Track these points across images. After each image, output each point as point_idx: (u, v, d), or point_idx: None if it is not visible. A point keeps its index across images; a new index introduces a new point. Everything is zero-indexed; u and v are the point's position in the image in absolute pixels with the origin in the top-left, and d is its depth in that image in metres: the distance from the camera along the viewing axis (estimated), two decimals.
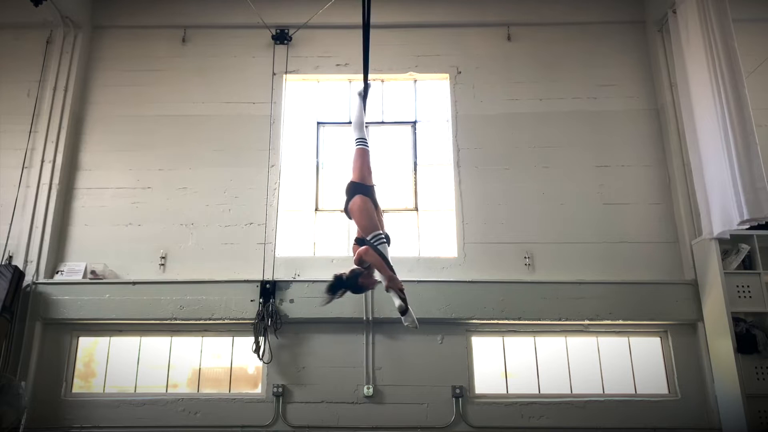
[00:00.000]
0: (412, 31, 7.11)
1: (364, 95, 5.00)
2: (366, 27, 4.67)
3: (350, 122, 6.94)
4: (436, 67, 7.05)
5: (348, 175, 4.72)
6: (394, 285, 4.25)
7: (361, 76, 4.98)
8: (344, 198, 4.64)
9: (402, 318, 4.26)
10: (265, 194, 6.55)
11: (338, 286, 4.33)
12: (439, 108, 7.01)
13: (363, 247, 4.36)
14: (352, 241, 4.62)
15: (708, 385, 5.86)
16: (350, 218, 4.67)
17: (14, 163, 6.50)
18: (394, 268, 4.34)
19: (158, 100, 6.89)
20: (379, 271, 4.30)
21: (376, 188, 4.69)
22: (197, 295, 6.04)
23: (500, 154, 6.68)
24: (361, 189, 4.55)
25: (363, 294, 5.94)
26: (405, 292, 4.27)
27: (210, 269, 6.24)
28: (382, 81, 7.11)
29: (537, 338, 6.17)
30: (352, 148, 4.81)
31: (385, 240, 4.40)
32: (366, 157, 4.73)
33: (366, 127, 4.97)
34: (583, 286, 6.07)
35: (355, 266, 4.37)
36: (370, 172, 4.71)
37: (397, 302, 4.23)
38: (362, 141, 4.77)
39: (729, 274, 5.78)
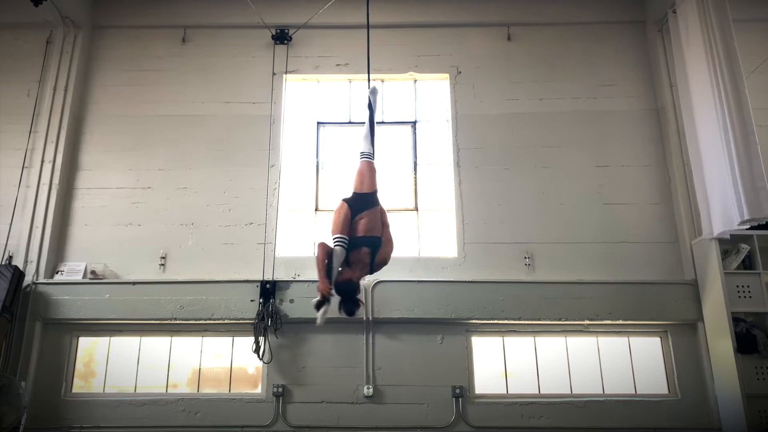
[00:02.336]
0: (412, 31, 7.11)
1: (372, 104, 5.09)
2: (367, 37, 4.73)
3: (350, 122, 6.98)
4: (436, 67, 7.05)
5: (351, 176, 4.92)
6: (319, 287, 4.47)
7: (362, 75, 5.03)
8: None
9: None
10: (265, 194, 6.55)
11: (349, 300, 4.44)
12: (439, 108, 7.01)
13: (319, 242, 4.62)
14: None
15: (708, 385, 5.86)
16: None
17: (14, 163, 6.50)
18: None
19: (158, 100, 6.89)
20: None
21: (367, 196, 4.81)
22: (197, 295, 6.04)
23: (500, 154, 6.68)
24: (349, 196, 4.79)
25: (363, 294, 5.95)
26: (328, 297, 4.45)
27: (210, 269, 6.24)
28: (382, 81, 7.11)
29: (537, 338, 6.17)
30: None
31: (340, 243, 4.51)
32: (366, 169, 4.90)
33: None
34: (583, 286, 6.06)
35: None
36: (369, 182, 4.86)
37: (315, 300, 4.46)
38: (365, 155, 4.95)
39: (729, 274, 5.78)
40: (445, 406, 5.85)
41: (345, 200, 4.73)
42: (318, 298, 4.43)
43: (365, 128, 5.01)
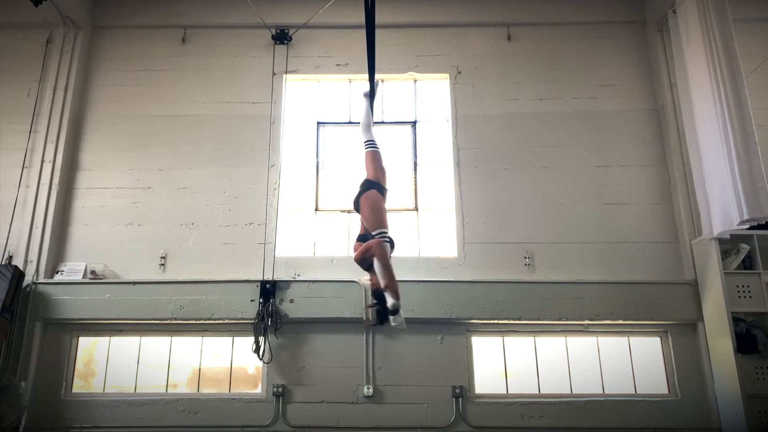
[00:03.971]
0: (412, 31, 7.11)
1: (371, 96, 5.04)
2: (371, 31, 4.68)
3: (350, 122, 6.98)
4: (436, 67, 7.05)
5: (351, 176, 4.85)
6: (394, 285, 4.24)
7: (362, 75, 5.02)
8: (356, 191, 4.72)
9: (391, 318, 4.24)
10: (265, 194, 6.55)
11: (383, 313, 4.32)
12: (439, 108, 7.01)
13: (371, 240, 4.32)
14: (354, 241, 4.66)
15: (708, 385, 5.86)
16: (358, 211, 4.71)
17: (14, 163, 6.50)
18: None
19: (158, 100, 6.89)
20: (383, 266, 4.24)
21: (388, 192, 4.79)
22: (197, 295, 6.04)
23: (500, 154, 6.68)
24: (376, 186, 4.68)
25: (363, 294, 5.97)
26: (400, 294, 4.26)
27: (210, 269, 6.24)
28: (382, 81, 7.08)
29: (537, 338, 6.17)
30: (362, 151, 4.94)
31: (389, 240, 4.41)
32: (378, 158, 4.86)
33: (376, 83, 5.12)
34: (583, 286, 6.06)
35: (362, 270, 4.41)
36: (384, 174, 4.84)
37: (391, 301, 4.21)
38: (371, 143, 4.85)
39: (729, 274, 5.78)
40: (445, 406, 5.85)
41: (374, 189, 4.62)
42: (395, 301, 4.18)
43: (365, 116, 5.02)
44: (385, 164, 4.89)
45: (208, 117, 6.83)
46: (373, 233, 4.42)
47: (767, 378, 5.55)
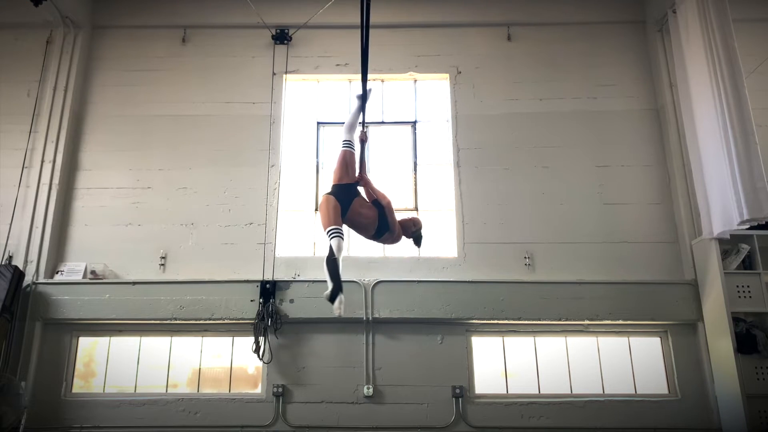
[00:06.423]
0: (412, 31, 7.11)
1: (363, 100, 5.01)
2: (366, 35, 4.66)
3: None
4: (436, 67, 7.05)
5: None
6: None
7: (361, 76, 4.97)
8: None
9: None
10: (265, 194, 6.55)
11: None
12: (439, 108, 7.01)
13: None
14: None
15: (708, 385, 5.86)
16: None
17: (14, 163, 6.50)
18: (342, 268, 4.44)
19: (158, 100, 6.89)
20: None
21: (353, 185, 4.72)
22: (197, 295, 6.04)
23: (500, 154, 6.68)
24: (331, 190, 4.63)
25: (363, 294, 5.98)
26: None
27: (210, 269, 6.24)
28: (382, 81, 7.11)
29: (537, 338, 6.17)
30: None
31: (338, 234, 4.40)
32: (344, 158, 4.76)
33: (366, 126, 5.01)
34: (583, 286, 6.07)
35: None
36: (346, 172, 4.72)
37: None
38: (348, 143, 4.82)
39: (729, 274, 5.78)
40: (445, 406, 5.85)
41: (329, 194, 4.61)
42: (329, 289, 4.30)
43: (352, 116, 4.95)
44: (355, 162, 4.81)
45: (208, 117, 6.83)
46: (325, 232, 4.42)
47: (767, 378, 5.55)
